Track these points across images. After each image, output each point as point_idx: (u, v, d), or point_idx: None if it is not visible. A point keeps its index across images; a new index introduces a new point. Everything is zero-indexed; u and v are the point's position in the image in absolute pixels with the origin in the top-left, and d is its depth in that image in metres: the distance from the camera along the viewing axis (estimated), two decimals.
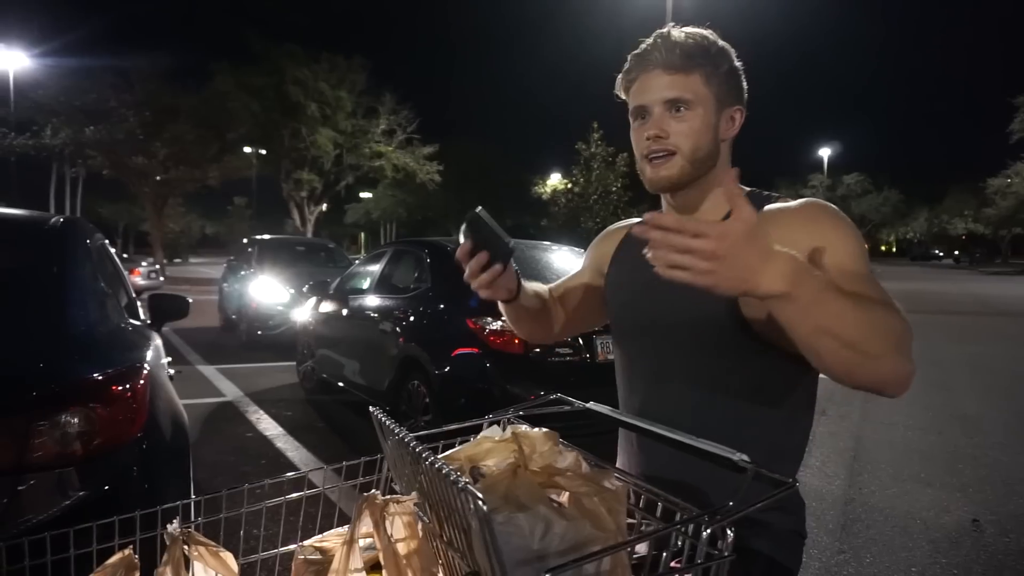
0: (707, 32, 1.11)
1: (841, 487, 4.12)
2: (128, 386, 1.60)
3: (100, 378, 1.58)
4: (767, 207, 1.10)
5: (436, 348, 4.22)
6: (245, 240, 12.61)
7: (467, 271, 1.12)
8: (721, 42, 1.11)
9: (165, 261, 33.62)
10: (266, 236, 12.83)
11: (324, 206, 38.14)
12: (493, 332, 3.92)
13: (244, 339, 9.95)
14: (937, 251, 77.83)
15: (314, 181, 32.30)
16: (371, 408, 1.19)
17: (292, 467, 4.45)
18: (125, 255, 26.93)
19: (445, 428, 1.24)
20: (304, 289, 7.27)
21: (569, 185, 26.74)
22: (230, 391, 6.74)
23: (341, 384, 5.82)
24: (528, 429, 0.94)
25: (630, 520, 0.97)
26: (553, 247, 5.68)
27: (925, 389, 7.04)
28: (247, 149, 32.46)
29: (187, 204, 53.49)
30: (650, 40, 1.11)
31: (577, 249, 5.74)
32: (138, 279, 19.20)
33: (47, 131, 26.44)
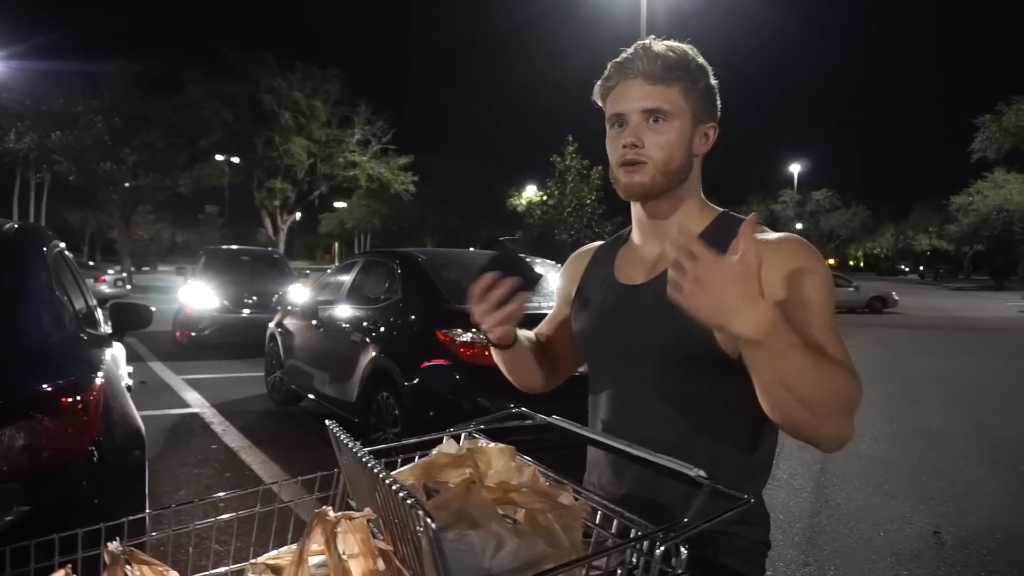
0: (687, 47, 1.12)
1: (808, 499, 4.16)
2: (79, 398, 1.55)
3: (49, 390, 1.53)
4: None
5: (406, 359, 4.19)
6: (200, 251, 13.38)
7: (485, 304, 1.11)
8: (700, 59, 1.13)
9: (133, 269, 32.98)
10: (219, 247, 13.89)
11: (297, 215, 37.83)
12: (463, 344, 3.89)
13: (184, 342, 10.12)
14: (903, 266, 79.56)
15: (287, 190, 32.02)
16: (327, 422, 1.17)
17: (257, 480, 4.37)
18: (91, 263, 26.40)
19: (403, 442, 1.23)
20: (274, 299, 7.24)
21: (544, 198, 26.82)
22: (196, 402, 6.62)
23: (310, 395, 5.74)
24: (485, 444, 0.92)
25: (588, 537, 0.96)
26: (526, 259, 5.67)
27: (892, 402, 7.16)
28: (219, 157, 32.08)
29: (157, 212, 52.67)
30: (631, 50, 1.12)
31: (549, 262, 5.74)
32: (103, 287, 18.82)
33: (11, 135, 25.86)
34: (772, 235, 1.09)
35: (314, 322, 5.67)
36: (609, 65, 1.14)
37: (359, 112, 32.65)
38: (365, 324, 4.82)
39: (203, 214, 61.53)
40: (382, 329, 4.58)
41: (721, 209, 1.20)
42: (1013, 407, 7.45)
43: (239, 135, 29.63)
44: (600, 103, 1.18)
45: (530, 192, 38.35)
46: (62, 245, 2.78)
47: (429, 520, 0.70)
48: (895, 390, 7.76)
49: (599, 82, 1.16)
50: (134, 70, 28.25)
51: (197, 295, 10.17)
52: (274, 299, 9.56)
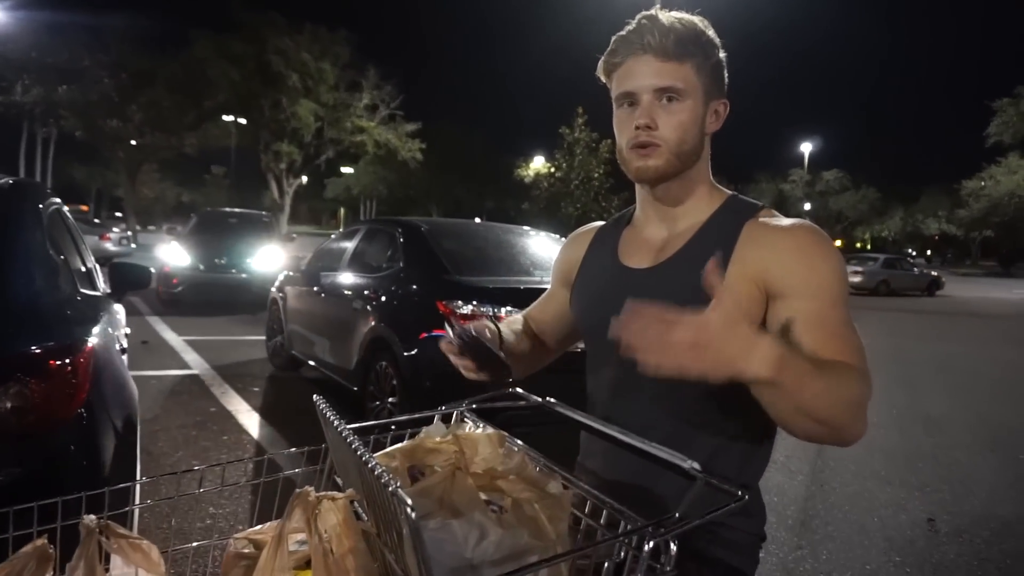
0: (697, 19, 1.07)
1: (803, 483, 4.16)
2: (68, 361, 1.52)
3: (37, 352, 1.50)
4: (759, 219, 1.07)
5: (405, 329, 4.16)
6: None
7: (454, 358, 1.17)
8: (711, 31, 1.07)
9: (138, 228, 32.98)
10: (214, 209, 15.53)
11: (304, 179, 37.68)
12: (463, 316, 3.86)
13: (164, 298, 10.57)
14: (911, 250, 79.11)
15: (293, 153, 31.84)
16: (315, 397, 1.14)
17: (254, 444, 4.39)
18: (97, 220, 26.32)
19: (393, 419, 1.20)
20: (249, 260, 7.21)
21: (552, 169, 26.62)
22: (197, 364, 6.63)
23: (310, 361, 5.74)
24: (473, 428, 0.89)
25: (577, 526, 0.94)
26: (531, 232, 5.63)
27: (892, 387, 7.14)
28: (227, 118, 31.85)
29: (163, 171, 52.43)
30: (636, 22, 1.06)
31: (554, 235, 5.69)
32: (108, 245, 18.83)
33: (17, 88, 25.67)
34: (785, 221, 1.05)
35: (315, 288, 5.65)
36: (614, 39, 1.08)
37: (368, 76, 32.32)
38: (366, 292, 4.79)
39: (209, 175, 61.27)
40: (382, 298, 4.55)
41: (729, 192, 1.15)
42: (1015, 396, 7.43)
43: (246, 96, 29.41)
44: (604, 79, 1.12)
45: (538, 163, 38.05)
46: (58, 202, 2.74)
47: (409, 508, 0.68)
48: (895, 375, 7.74)
49: (603, 57, 1.10)
50: (141, 25, 28.01)
51: (174, 254, 10.68)
52: (254, 260, 10.52)
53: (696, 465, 0.89)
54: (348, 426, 1.19)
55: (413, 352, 4.03)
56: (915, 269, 25.66)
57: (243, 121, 31.88)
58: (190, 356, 6.97)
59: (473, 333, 1.08)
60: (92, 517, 0.86)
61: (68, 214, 2.95)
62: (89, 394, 1.57)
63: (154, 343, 7.55)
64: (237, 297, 10.55)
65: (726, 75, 1.11)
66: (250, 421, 4.86)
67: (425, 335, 4.02)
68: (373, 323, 4.51)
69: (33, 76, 25.74)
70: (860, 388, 0.88)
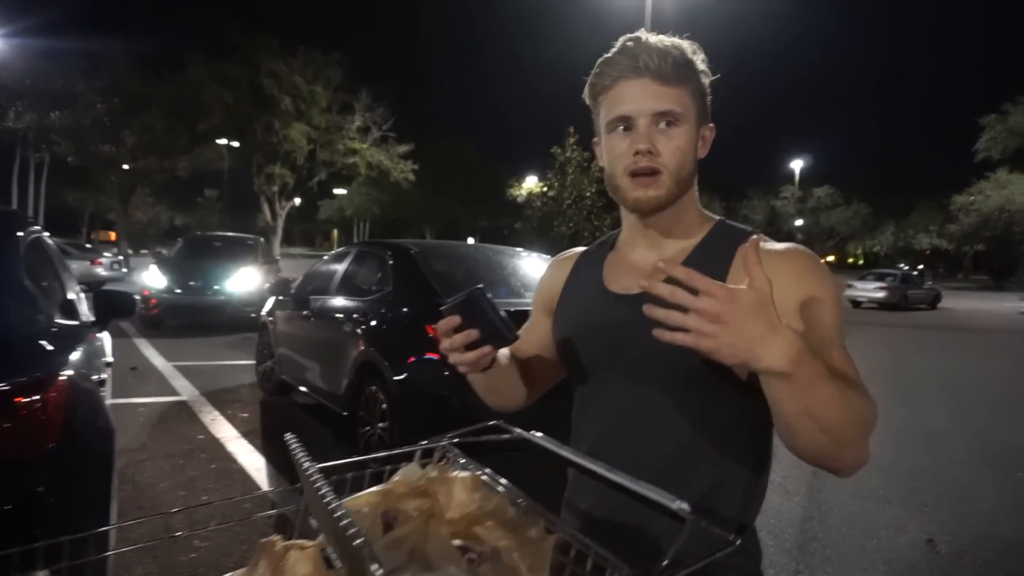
0: (684, 43, 1.04)
1: (801, 504, 4.09)
2: (37, 397, 1.47)
3: (5, 388, 1.45)
4: (750, 239, 1.03)
5: (395, 353, 4.11)
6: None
7: (447, 343, 1.01)
8: (700, 56, 1.05)
9: (131, 252, 32.86)
10: (201, 233, 16.82)
11: (297, 201, 37.68)
12: None
13: (144, 321, 10.73)
14: (903, 265, 79.48)
15: (286, 176, 31.86)
16: (286, 436, 1.09)
17: (242, 473, 4.30)
18: (88, 245, 26.23)
19: (368, 456, 1.15)
20: (266, 287, 7.26)
21: (544, 189, 26.69)
22: (186, 390, 6.54)
23: (300, 387, 5.67)
24: (455, 466, 0.84)
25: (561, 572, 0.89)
26: (521, 253, 5.60)
27: (889, 404, 7.09)
28: (220, 141, 31.90)
29: (156, 194, 52.44)
30: (623, 45, 1.03)
31: (545, 256, 5.66)
32: (100, 270, 18.69)
33: (10, 114, 25.68)
34: (778, 245, 1.02)
35: (304, 312, 5.59)
36: (600, 61, 1.05)
37: (360, 99, 32.46)
38: (355, 316, 4.74)
39: (202, 198, 61.24)
40: (371, 322, 4.50)
41: (717, 217, 1.12)
42: (1013, 412, 7.39)
43: (239, 119, 29.46)
44: (591, 102, 1.09)
45: (530, 183, 38.13)
46: (38, 230, 2.69)
47: (375, 568, 0.63)
48: (892, 391, 7.70)
49: (591, 79, 1.07)
50: (135, 50, 28.12)
51: (152, 277, 11.04)
52: (230, 282, 10.82)
53: (685, 506, 0.83)
54: (321, 465, 1.15)
55: (403, 376, 3.97)
56: (925, 284, 27.26)
57: (236, 144, 31.92)
58: (179, 382, 6.88)
59: (464, 297, 1.01)
60: (43, 573, 0.80)
61: (50, 242, 2.90)
62: (61, 431, 1.51)
63: (143, 369, 7.46)
64: (213, 318, 10.78)
65: (709, 100, 1.08)
66: (239, 448, 4.78)
67: (415, 359, 3.97)
68: (362, 347, 4.45)
69: (26, 102, 25.76)
70: (868, 406, 0.86)
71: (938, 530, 3.77)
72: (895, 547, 3.54)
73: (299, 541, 0.87)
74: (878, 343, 13.03)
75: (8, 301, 1.77)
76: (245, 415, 5.72)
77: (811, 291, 0.95)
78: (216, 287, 10.88)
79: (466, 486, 0.81)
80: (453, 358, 1.03)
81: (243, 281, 11.06)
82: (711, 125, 1.08)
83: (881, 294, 24.46)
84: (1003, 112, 39.69)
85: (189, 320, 10.78)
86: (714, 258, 1.03)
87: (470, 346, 0.99)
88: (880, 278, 25.74)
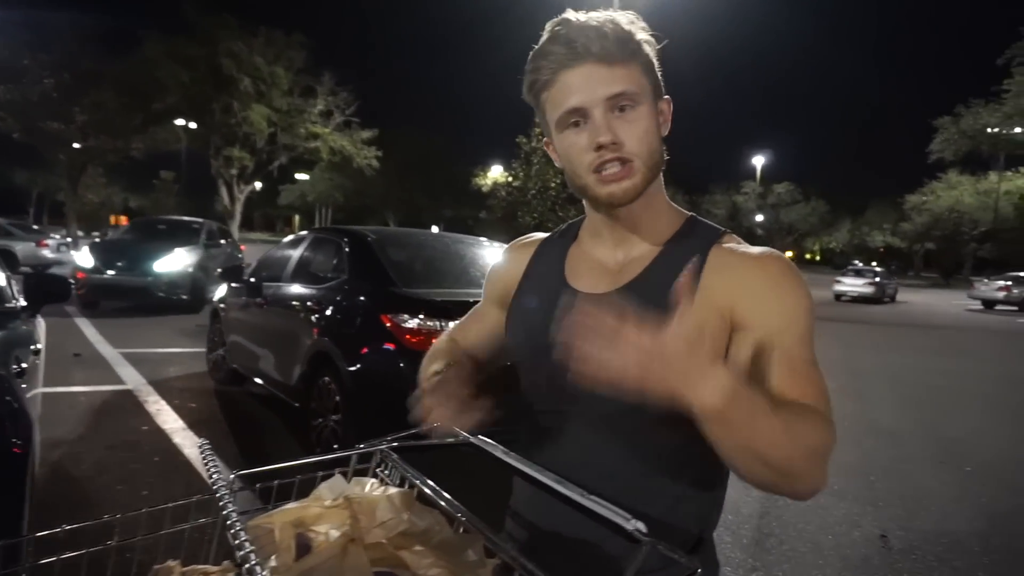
0: (620, 15, 0.92)
1: (758, 499, 4.08)
2: None
3: None
4: (723, 244, 0.95)
5: (349, 343, 3.97)
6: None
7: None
8: (638, 25, 0.93)
9: (81, 234, 31.75)
10: (148, 216, 17.00)
11: (257, 185, 36.89)
12: (409, 330, 3.69)
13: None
14: (857, 261, 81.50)
15: (245, 159, 31.08)
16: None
17: (187, 466, 4.12)
18: (36, 226, 25.23)
19: (301, 461, 1.03)
20: (217, 272, 7.04)
21: (509, 179, 26.58)
22: (131, 378, 6.28)
23: (252, 376, 5.48)
24: (374, 486, 0.74)
25: None
26: (483, 243, 5.49)
27: (843, 399, 7.19)
28: (179, 122, 30.95)
29: (109, 175, 50.71)
30: (553, 31, 0.91)
31: (506, 247, 5.56)
32: (46, 252, 17.97)
33: None
34: (753, 249, 0.94)
35: (257, 299, 5.40)
36: (533, 56, 0.93)
37: (323, 82, 31.83)
38: (309, 304, 4.58)
39: (158, 180, 59.45)
40: (326, 310, 4.34)
41: (688, 213, 1.04)
42: (962, 408, 7.57)
43: (196, 99, 28.59)
44: (533, 102, 0.97)
45: (496, 172, 37.91)
46: None
47: None
48: (846, 387, 7.81)
49: (528, 77, 0.95)
50: (87, 24, 26.99)
51: (81, 257, 11.16)
52: (158, 263, 10.84)
53: (641, 526, 0.75)
54: (244, 472, 1.03)
55: (357, 367, 3.84)
56: (892, 280, 30.36)
57: (193, 125, 31.02)
58: (125, 370, 6.61)
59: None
60: None
61: None
62: None
63: (88, 356, 7.15)
64: (139, 299, 10.82)
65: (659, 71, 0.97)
66: (185, 440, 4.58)
67: (369, 349, 3.84)
68: (316, 336, 4.30)
69: None
70: (822, 436, 0.79)
71: (891, 525, 3.80)
72: (849, 542, 3.55)
73: (201, 568, 0.75)
74: (831, 339, 13.28)
75: None
76: (193, 405, 5.51)
77: (783, 302, 0.89)
78: (142, 268, 10.78)
79: (393, 504, 0.71)
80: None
81: (171, 263, 11.00)
82: (667, 98, 0.97)
83: (869, 289, 27.51)
84: (956, 115, 40.82)
85: (113, 299, 10.78)
86: (684, 259, 0.93)
87: None
88: (861, 274, 28.78)
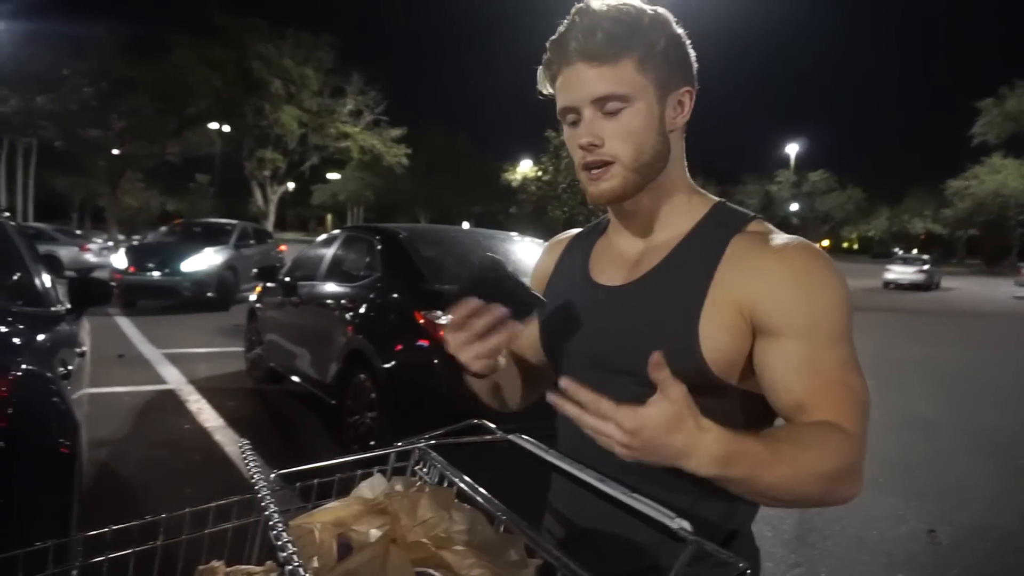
0: (630, 4, 0.88)
1: None
2: None
3: None
4: (747, 232, 0.91)
5: (382, 341, 3.99)
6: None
7: (463, 333, 0.88)
8: (654, 9, 0.89)
9: (122, 238, 32.60)
10: (184, 219, 17.14)
11: (289, 186, 37.38)
12: (442, 327, 3.69)
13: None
14: (898, 250, 79.73)
15: (277, 160, 31.54)
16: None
17: (227, 463, 4.19)
18: (79, 231, 25.95)
19: (339, 460, 1.04)
20: (252, 272, 7.18)
21: (539, 173, 26.52)
22: (173, 378, 6.42)
23: (289, 375, 5.55)
24: (414, 485, 0.73)
25: None
26: (514, 238, 5.48)
27: (883, 391, 7.03)
28: (212, 125, 31.54)
29: (147, 180, 51.89)
30: (568, 20, 0.89)
31: (539, 241, 5.54)
32: (89, 256, 18.49)
33: None
34: (778, 239, 0.89)
35: (292, 298, 5.47)
36: (548, 45, 0.91)
37: (352, 82, 32.10)
38: (342, 302, 4.62)
39: (194, 183, 60.64)
40: (359, 308, 4.38)
41: (715, 199, 0.98)
42: (1009, 400, 7.34)
43: (227, 103, 29.07)
44: (546, 92, 0.96)
45: (525, 167, 37.81)
46: (5, 216, 2.56)
47: None
48: (886, 378, 7.63)
49: (541, 67, 0.94)
50: (121, 32, 27.63)
51: (117, 259, 11.89)
52: (185, 263, 11.35)
53: (687, 525, 0.73)
54: (284, 471, 1.04)
55: (391, 364, 3.86)
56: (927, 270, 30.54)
57: (227, 128, 31.57)
58: (166, 370, 6.76)
59: (480, 271, 0.88)
60: None
61: (15, 228, 2.77)
62: (7, 430, 1.40)
63: (130, 357, 7.33)
64: (168, 297, 11.32)
65: (690, 54, 0.92)
66: (225, 438, 4.66)
67: (403, 346, 3.86)
68: (350, 334, 4.34)
69: (12, 86, 25.35)
70: (838, 459, 0.77)
71: (937, 520, 3.70)
72: (895, 537, 3.47)
73: (245, 568, 0.76)
74: (872, 328, 13.00)
75: None
76: (232, 404, 5.60)
77: (809, 300, 0.83)
78: (170, 268, 11.29)
79: (434, 503, 0.71)
80: (473, 351, 0.89)
81: (197, 262, 11.52)
82: (687, 89, 0.92)
83: (920, 277, 28.10)
84: (999, 96, 39.59)
85: (147, 299, 11.31)
86: (705, 250, 0.90)
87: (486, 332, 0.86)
88: (910, 262, 29.54)
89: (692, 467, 0.71)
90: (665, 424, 0.67)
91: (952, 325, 15.13)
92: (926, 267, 28.70)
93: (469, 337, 0.88)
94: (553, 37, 0.90)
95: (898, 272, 28.79)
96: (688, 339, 0.86)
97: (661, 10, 0.90)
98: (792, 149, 57.81)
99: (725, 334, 0.85)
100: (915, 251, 42.76)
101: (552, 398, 0.74)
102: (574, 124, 0.91)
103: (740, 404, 0.89)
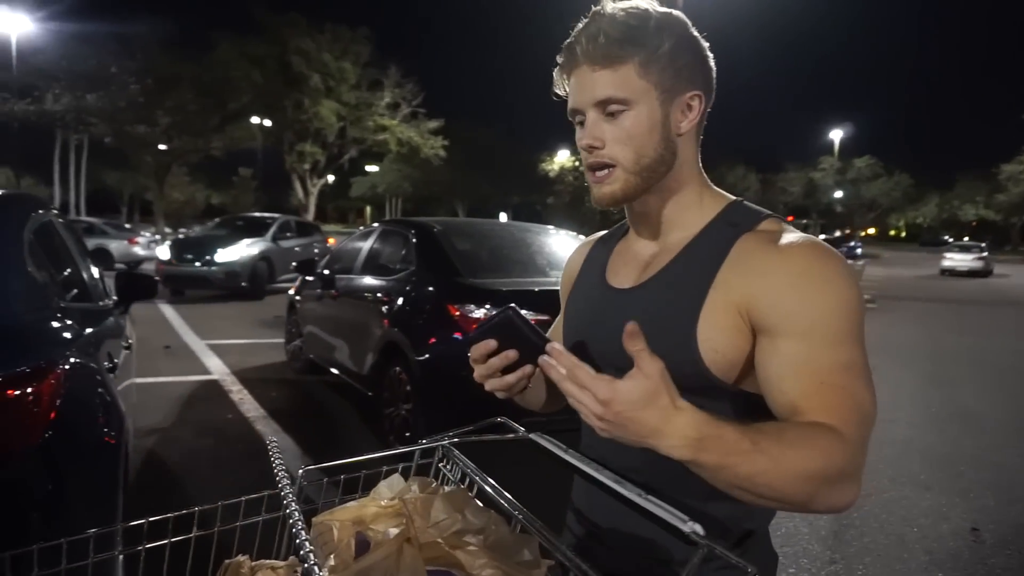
0: (644, 5, 0.88)
1: None
2: (26, 390, 1.42)
3: None
4: (755, 231, 0.90)
5: (417, 334, 4.05)
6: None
7: (483, 368, 0.93)
8: (663, 11, 0.89)
9: (168, 231, 33.53)
10: (231, 214, 18.27)
11: (329, 179, 37.89)
12: (476, 320, 3.73)
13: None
14: (948, 237, 77.26)
15: (317, 153, 32.01)
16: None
17: (268, 454, 4.30)
18: (128, 225, 26.78)
19: (366, 457, 1.07)
20: (292, 266, 7.38)
21: (576, 163, 26.39)
22: (217, 368, 6.60)
23: (327, 366, 5.67)
24: (428, 487, 0.75)
25: None
26: (549, 231, 5.49)
27: (925, 384, 6.86)
28: (254, 120, 32.16)
29: (192, 174, 53.22)
30: (581, 22, 0.91)
31: (573, 234, 5.54)
32: (137, 249, 19.08)
33: (48, 97, 26.17)
34: (785, 237, 0.87)
35: (330, 291, 5.57)
36: (562, 47, 0.94)
37: (389, 74, 32.33)
38: (379, 295, 4.69)
39: (237, 177, 61.97)
40: (395, 301, 4.44)
41: (732, 198, 0.98)
42: None
43: (268, 97, 29.60)
44: (563, 93, 0.98)
45: (562, 157, 37.63)
46: (53, 213, 2.66)
47: None
48: (927, 371, 7.44)
49: (556, 70, 0.96)
50: (165, 30, 28.28)
51: (162, 251, 13.02)
52: (219, 254, 12.10)
53: (699, 528, 0.74)
54: (310, 467, 1.07)
55: (425, 357, 3.92)
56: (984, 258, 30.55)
57: (268, 123, 32.14)
58: (211, 360, 6.95)
59: (497, 319, 0.92)
60: None
61: (64, 224, 2.88)
62: (54, 423, 1.47)
63: (176, 348, 7.56)
64: (202, 286, 12.26)
65: (705, 56, 0.92)
66: (266, 428, 4.79)
67: (437, 339, 3.90)
68: (386, 327, 4.40)
69: (63, 84, 26.21)
70: (825, 460, 0.73)
71: (981, 518, 3.60)
72: (936, 535, 3.39)
73: (270, 562, 0.79)
74: (917, 318, 12.65)
75: (8, 288, 1.72)
76: (273, 394, 5.74)
77: (808, 300, 0.81)
78: (204, 259, 12.12)
79: (446, 504, 0.73)
80: (491, 384, 0.94)
81: (230, 254, 12.33)
82: (696, 92, 0.91)
83: (979, 264, 29.09)
84: None
85: (184, 287, 12.27)
86: (711, 251, 0.91)
87: (507, 368, 0.91)
88: (967, 250, 30.45)
89: (665, 448, 0.70)
90: (639, 398, 0.68)
91: (1005, 315, 14.63)
92: (984, 254, 29.65)
93: (488, 371, 0.92)
94: (567, 40, 0.92)
95: (956, 260, 29.67)
96: (686, 340, 0.86)
97: (675, 12, 0.90)
98: (836, 135, 56.46)
99: (724, 335, 0.85)
100: (966, 238, 41.49)
101: (543, 360, 0.75)
102: (581, 125, 0.93)
103: (742, 406, 0.89)
